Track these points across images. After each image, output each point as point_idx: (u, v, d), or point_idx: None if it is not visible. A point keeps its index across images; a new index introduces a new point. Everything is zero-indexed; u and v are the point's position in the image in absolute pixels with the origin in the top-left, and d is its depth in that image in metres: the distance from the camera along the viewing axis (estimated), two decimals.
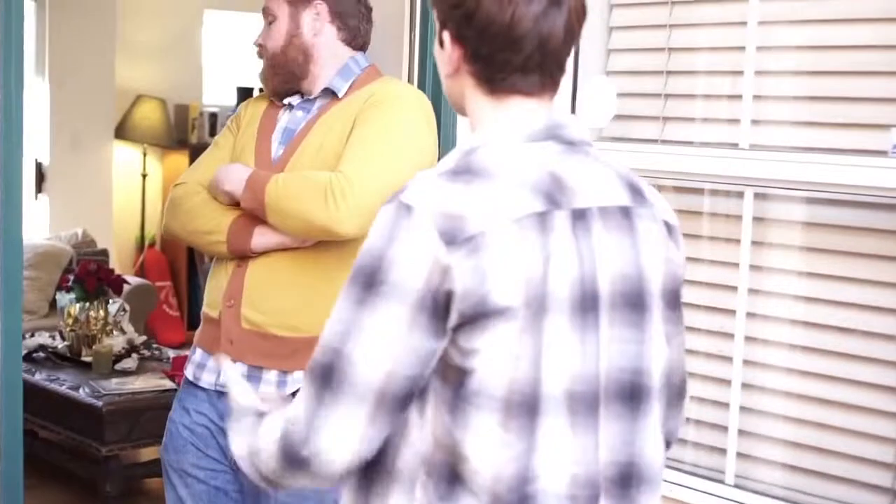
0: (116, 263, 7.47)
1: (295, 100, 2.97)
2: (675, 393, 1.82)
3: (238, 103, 8.41)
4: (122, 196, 7.94)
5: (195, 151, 7.97)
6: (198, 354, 2.95)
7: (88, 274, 5.46)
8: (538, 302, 1.61)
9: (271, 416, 1.76)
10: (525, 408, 1.61)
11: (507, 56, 1.68)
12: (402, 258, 1.60)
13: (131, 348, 5.40)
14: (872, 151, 2.64)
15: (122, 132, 7.87)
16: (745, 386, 2.88)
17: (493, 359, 1.60)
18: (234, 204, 2.88)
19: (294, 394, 2.72)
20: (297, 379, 2.79)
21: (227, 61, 8.69)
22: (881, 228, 2.65)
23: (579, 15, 1.72)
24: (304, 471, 1.67)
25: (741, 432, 2.88)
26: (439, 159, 2.91)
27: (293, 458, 1.67)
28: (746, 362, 2.87)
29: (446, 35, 1.73)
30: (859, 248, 2.68)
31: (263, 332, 2.82)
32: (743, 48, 2.81)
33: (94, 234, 7.30)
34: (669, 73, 3.00)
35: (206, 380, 2.90)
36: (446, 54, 1.74)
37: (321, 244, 2.81)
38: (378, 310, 1.61)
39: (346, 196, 2.68)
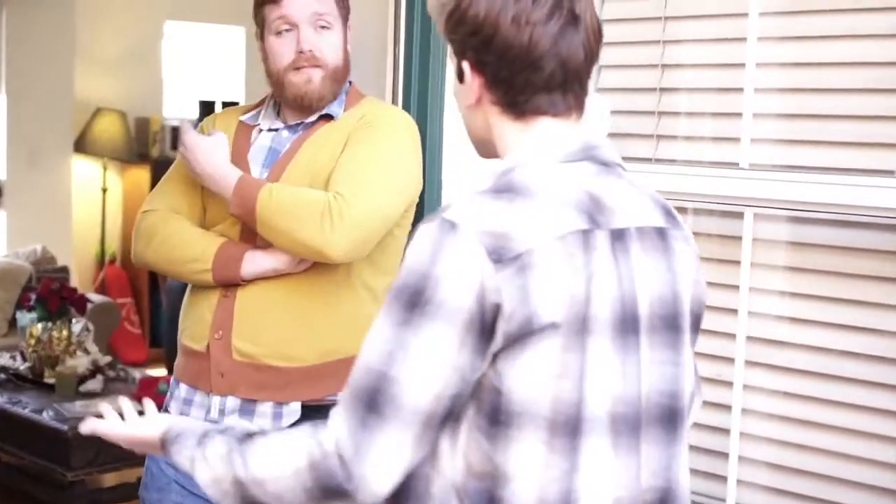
0: (76, 280, 7.33)
1: (277, 124, 2.85)
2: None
3: (200, 116, 8.32)
4: (81, 211, 7.79)
5: (156, 165, 7.88)
6: (182, 390, 2.81)
7: (51, 293, 5.33)
8: (581, 321, 1.60)
9: (278, 437, 1.70)
10: (569, 427, 1.60)
11: (528, 76, 1.67)
12: (449, 276, 1.57)
13: (96, 369, 5.27)
14: (878, 171, 2.59)
15: (81, 146, 7.73)
16: (749, 412, 2.81)
17: (537, 377, 1.58)
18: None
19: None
20: (293, 410, 2.70)
21: (189, 73, 8.59)
22: (887, 250, 2.59)
23: (596, 34, 1.72)
24: (340, 500, 1.62)
25: (741, 458, 2.82)
26: (424, 185, 2.90)
27: (332, 487, 1.61)
28: (753, 388, 2.81)
29: (466, 65, 1.71)
30: (862, 269, 2.63)
31: (257, 363, 2.70)
32: (742, 65, 2.74)
33: (54, 250, 7.15)
34: (663, 90, 2.93)
35: (195, 416, 2.77)
36: (467, 84, 1.73)
37: (314, 268, 2.71)
38: (425, 330, 1.57)
39: (342, 218, 2.58)
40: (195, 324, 2.78)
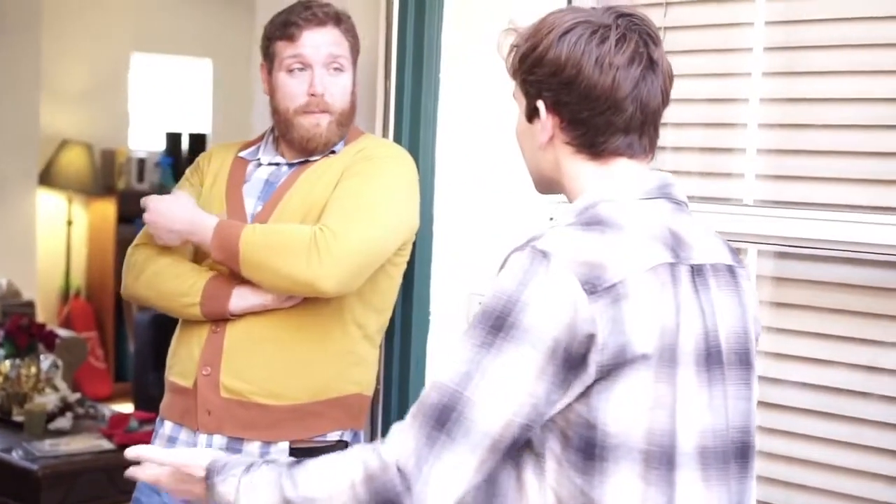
0: (41, 314, 7.22)
1: (278, 159, 2.81)
2: None
3: (167, 148, 8.26)
4: (46, 245, 7.70)
5: (122, 198, 7.81)
6: (167, 428, 2.76)
7: (19, 329, 5.24)
8: (671, 352, 1.63)
9: (326, 459, 1.70)
10: (664, 460, 1.62)
11: (609, 118, 1.72)
12: (539, 303, 1.58)
13: (65, 406, 5.17)
14: (881, 208, 2.57)
15: (46, 178, 7.65)
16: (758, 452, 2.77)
17: (631, 409, 1.60)
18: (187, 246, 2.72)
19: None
20: (282, 450, 2.64)
21: (155, 105, 8.53)
22: (891, 287, 2.56)
23: (671, 78, 1.78)
24: None
25: None
26: (421, 218, 2.87)
27: (387, 502, 1.60)
28: (760, 428, 2.76)
29: (541, 104, 1.75)
30: (873, 308, 2.60)
31: (245, 400, 2.65)
32: (746, 100, 2.73)
33: (18, 284, 7.04)
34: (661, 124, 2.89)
35: None
36: (540, 124, 1.76)
37: (304, 304, 2.66)
38: (506, 353, 1.58)
39: (330, 250, 2.54)
40: (183, 360, 2.74)
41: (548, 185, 1.83)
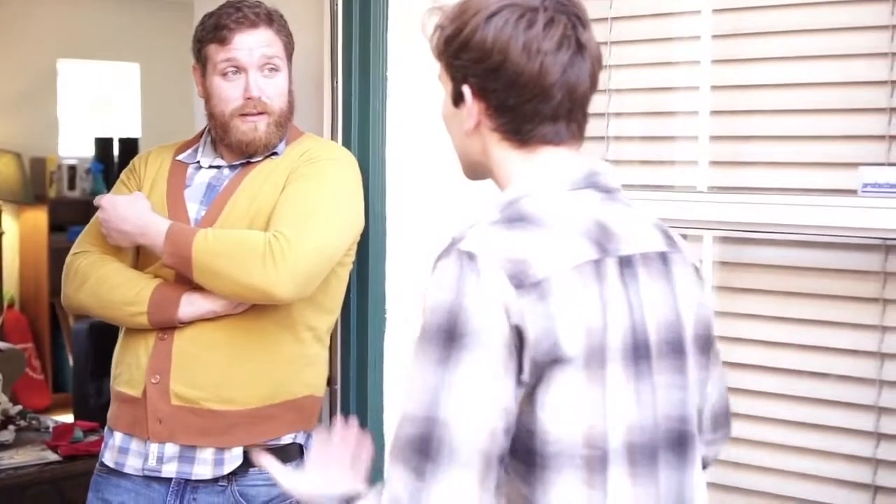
0: None
1: (219, 161, 2.78)
2: (722, 423, 1.90)
3: (97, 153, 8.16)
4: None
5: (54, 206, 7.71)
6: (117, 438, 2.71)
7: None
8: (599, 352, 1.59)
9: None
10: (602, 462, 1.59)
11: (536, 106, 1.65)
12: (478, 305, 1.53)
13: (7, 419, 5.07)
14: (840, 191, 2.60)
15: None
16: None
17: (565, 414, 1.56)
18: (132, 247, 2.70)
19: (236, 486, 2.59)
20: (236, 456, 2.62)
21: (84, 111, 8.43)
22: (853, 269, 2.60)
23: (599, 62, 1.72)
24: None
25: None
26: (368, 220, 2.86)
27: None
28: None
29: (466, 90, 1.69)
30: (831, 290, 2.63)
31: (197, 407, 2.62)
32: (697, 87, 2.75)
33: None
34: (611, 114, 2.91)
35: (132, 465, 2.68)
36: (466, 110, 1.70)
37: (253, 309, 2.63)
38: (465, 363, 1.53)
39: (285, 257, 2.51)
40: (130, 368, 2.70)
41: (475, 170, 1.77)
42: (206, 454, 2.63)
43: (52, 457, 4.68)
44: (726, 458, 2.75)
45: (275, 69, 2.71)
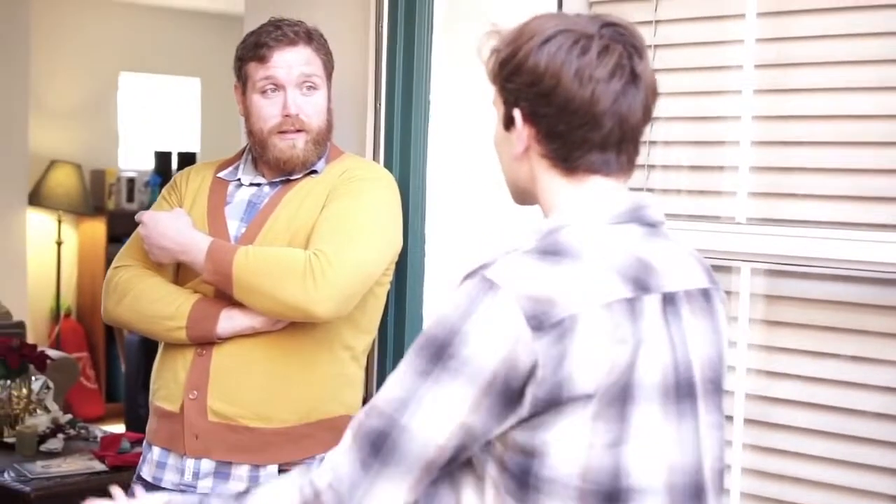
0: (31, 335, 7.19)
1: (259, 179, 2.79)
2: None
3: (156, 167, 8.25)
4: (36, 265, 7.66)
5: (112, 218, 7.79)
6: (155, 453, 2.73)
7: (10, 350, 5.20)
8: (622, 389, 1.57)
9: (270, 486, 1.70)
10: (602, 497, 1.57)
11: (585, 133, 1.64)
12: (480, 335, 1.54)
13: (56, 428, 5.13)
14: (878, 225, 2.56)
15: (36, 199, 7.61)
16: (749, 471, 2.76)
17: (567, 446, 1.55)
18: (173, 263, 2.71)
19: None
20: (270, 473, 2.62)
21: (144, 125, 8.52)
22: (892, 305, 2.56)
23: (654, 93, 1.70)
24: None
25: None
26: (407, 241, 2.87)
27: None
28: (753, 447, 2.76)
29: (517, 113, 1.68)
30: (869, 325, 2.60)
31: (233, 424, 2.63)
32: (738, 117, 2.72)
33: (8, 304, 7.01)
34: (652, 142, 2.89)
35: (169, 479, 2.69)
36: (516, 134, 1.69)
37: (292, 327, 2.64)
38: (443, 385, 1.55)
39: (325, 276, 2.52)
40: (168, 384, 2.71)
41: (523, 195, 1.77)
42: (242, 471, 2.64)
43: (99, 466, 4.72)
44: (760, 493, 2.73)
45: (313, 87, 2.73)
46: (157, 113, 8.67)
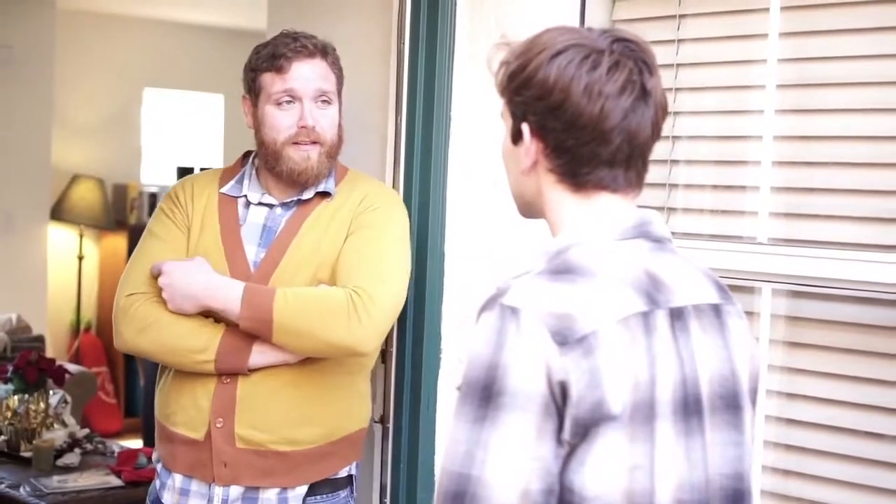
0: (51, 349, 7.20)
1: (268, 199, 2.76)
2: None
3: None
4: (57, 279, 7.69)
5: (134, 233, 7.81)
6: (177, 480, 2.69)
7: (29, 364, 5.20)
8: (647, 407, 1.55)
9: None
10: None
11: (594, 149, 1.63)
12: (518, 361, 1.51)
13: (73, 442, 5.14)
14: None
15: (57, 213, 7.65)
16: (769, 493, 2.73)
17: (608, 471, 1.52)
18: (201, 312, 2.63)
19: None
20: (299, 495, 2.62)
21: (167, 140, 8.55)
22: None
23: (664, 111, 1.68)
24: None
25: None
26: (427, 265, 2.86)
27: None
28: (773, 469, 2.73)
29: (525, 128, 1.66)
30: (891, 348, 2.57)
31: (262, 449, 2.62)
32: (760, 137, 2.70)
33: (28, 318, 7.03)
34: (673, 161, 2.87)
35: None
36: (524, 148, 1.68)
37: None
38: (501, 422, 1.50)
39: (369, 314, 2.52)
40: (187, 410, 2.67)
41: (529, 209, 1.75)
42: (270, 494, 2.64)
43: (116, 481, 4.72)
44: None
45: (328, 101, 2.72)
46: (180, 128, 8.70)
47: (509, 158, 1.74)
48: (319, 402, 2.65)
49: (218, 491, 2.64)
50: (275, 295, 2.54)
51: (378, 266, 2.61)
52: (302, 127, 2.67)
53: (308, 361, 2.63)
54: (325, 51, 2.73)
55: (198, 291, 2.59)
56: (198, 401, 2.65)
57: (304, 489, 2.64)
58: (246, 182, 2.78)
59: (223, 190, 2.77)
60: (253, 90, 2.75)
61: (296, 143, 2.68)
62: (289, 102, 2.69)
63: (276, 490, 2.64)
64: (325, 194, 2.73)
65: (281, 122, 2.69)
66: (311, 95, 2.69)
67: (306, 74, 2.68)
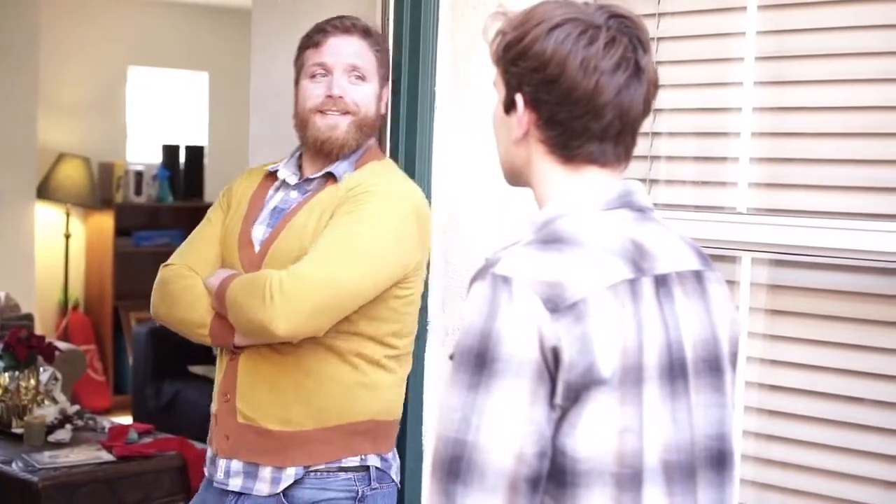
0: (39, 327, 7.22)
1: (292, 178, 2.79)
2: None
3: (164, 161, 8.29)
4: (44, 258, 7.69)
5: (120, 211, 7.84)
6: (210, 450, 2.82)
7: (19, 342, 5.23)
8: (635, 371, 1.59)
9: None
10: (635, 481, 1.59)
11: (586, 123, 1.66)
12: (511, 328, 1.55)
13: (64, 418, 5.17)
14: (878, 215, 2.59)
15: (44, 192, 7.65)
16: (750, 458, 2.79)
17: (600, 434, 1.57)
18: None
19: (285, 491, 2.62)
20: (290, 475, 2.66)
21: (153, 118, 8.55)
22: (893, 294, 2.58)
23: (655, 87, 1.72)
24: None
25: None
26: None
27: None
28: (754, 434, 2.78)
29: (519, 98, 1.69)
30: (870, 314, 2.62)
31: (257, 426, 2.68)
32: (739, 109, 2.74)
33: (16, 297, 7.04)
34: (655, 134, 2.92)
35: (216, 477, 2.76)
36: (516, 118, 1.70)
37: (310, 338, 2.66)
38: (495, 388, 1.54)
39: (284, 293, 2.52)
40: (215, 387, 2.81)
41: (517, 178, 1.77)
42: (266, 472, 2.68)
43: (107, 457, 4.76)
44: (763, 481, 2.75)
45: (361, 77, 2.73)
46: (165, 106, 8.70)
47: (500, 127, 1.76)
48: (306, 388, 2.67)
49: (222, 463, 2.73)
50: (234, 278, 2.63)
51: (328, 250, 2.58)
52: (328, 96, 2.70)
53: (294, 349, 2.66)
54: (366, 31, 2.76)
55: (209, 288, 2.71)
56: (218, 377, 2.77)
57: (292, 471, 2.67)
58: (285, 161, 2.82)
59: (270, 168, 2.84)
60: (297, 69, 2.79)
61: (322, 111, 2.71)
62: (322, 76, 2.72)
63: (271, 469, 2.68)
64: (332, 178, 2.73)
65: (311, 91, 2.72)
66: (342, 69, 2.71)
67: (340, 49, 2.72)
